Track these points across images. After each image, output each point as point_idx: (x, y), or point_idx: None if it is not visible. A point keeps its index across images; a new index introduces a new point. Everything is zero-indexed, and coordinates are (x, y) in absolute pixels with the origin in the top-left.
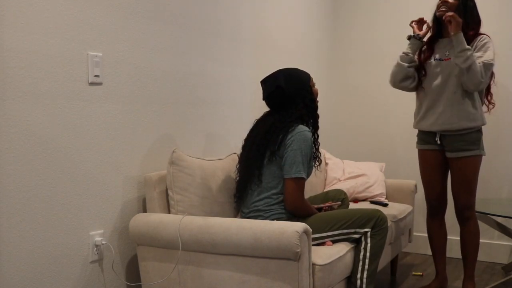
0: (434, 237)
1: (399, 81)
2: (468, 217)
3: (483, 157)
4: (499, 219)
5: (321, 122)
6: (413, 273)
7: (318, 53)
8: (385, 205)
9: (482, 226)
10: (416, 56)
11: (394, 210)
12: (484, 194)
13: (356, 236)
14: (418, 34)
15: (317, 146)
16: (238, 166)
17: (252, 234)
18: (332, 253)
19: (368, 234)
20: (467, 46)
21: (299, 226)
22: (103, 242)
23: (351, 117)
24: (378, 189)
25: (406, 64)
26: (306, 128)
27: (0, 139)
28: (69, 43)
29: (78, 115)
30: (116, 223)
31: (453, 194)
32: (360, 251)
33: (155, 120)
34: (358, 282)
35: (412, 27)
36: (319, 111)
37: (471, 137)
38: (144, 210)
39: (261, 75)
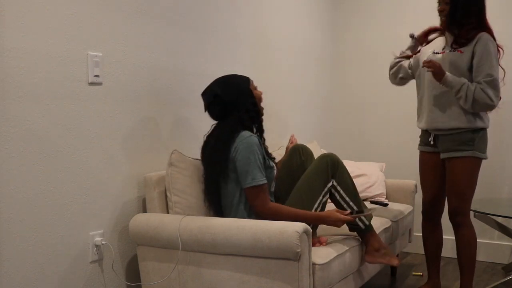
0: (427, 242)
1: (392, 75)
2: (459, 223)
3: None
4: (499, 219)
5: (321, 122)
6: (413, 273)
7: (318, 53)
8: (385, 205)
9: (482, 226)
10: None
11: (394, 210)
12: (484, 194)
13: (329, 193)
14: (413, 34)
15: (265, 149)
16: (203, 189)
17: (252, 234)
18: (332, 252)
19: (334, 183)
20: (458, 83)
21: (299, 226)
22: (103, 242)
23: (352, 117)
24: (378, 189)
25: (397, 58)
26: (248, 134)
27: (0, 139)
28: (69, 43)
29: (78, 115)
30: (116, 223)
31: (446, 197)
32: (342, 204)
33: (155, 120)
34: (360, 223)
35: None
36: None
37: (464, 137)
38: (144, 210)
39: (260, 76)
